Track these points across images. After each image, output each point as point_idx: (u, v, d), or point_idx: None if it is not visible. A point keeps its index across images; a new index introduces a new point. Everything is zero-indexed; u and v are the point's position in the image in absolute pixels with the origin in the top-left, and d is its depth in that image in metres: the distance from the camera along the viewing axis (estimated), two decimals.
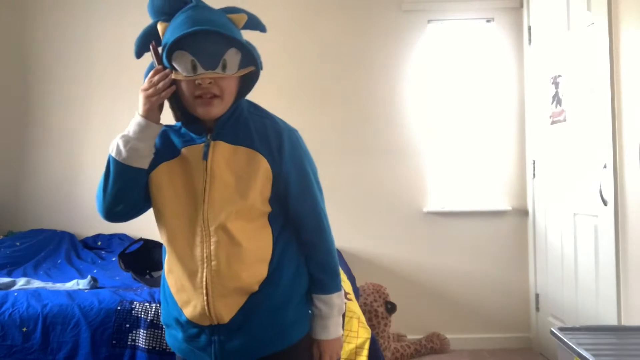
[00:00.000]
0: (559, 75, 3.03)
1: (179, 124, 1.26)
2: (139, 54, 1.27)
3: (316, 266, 1.29)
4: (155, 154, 1.23)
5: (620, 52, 2.44)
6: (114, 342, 2.06)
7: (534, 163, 3.40)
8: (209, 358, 1.23)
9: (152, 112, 1.18)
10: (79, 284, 2.41)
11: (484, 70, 3.62)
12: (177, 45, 1.13)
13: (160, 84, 1.16)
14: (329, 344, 1.29)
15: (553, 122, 3.12)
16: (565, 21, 2.94)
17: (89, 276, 2.45)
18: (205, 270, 1.18)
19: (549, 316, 3.21)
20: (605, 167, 2.52)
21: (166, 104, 1.24)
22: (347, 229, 3.46)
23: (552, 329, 1.77)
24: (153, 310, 2.10)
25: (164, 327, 1.34)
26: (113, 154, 1.20)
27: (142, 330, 2.07)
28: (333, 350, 1.31)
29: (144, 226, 3.49)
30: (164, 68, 1.18)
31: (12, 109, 3.69)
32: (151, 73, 1.18)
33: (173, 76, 1.16)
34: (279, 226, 1.25)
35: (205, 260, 1.18)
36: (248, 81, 1.24)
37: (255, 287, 1.21)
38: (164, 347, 2.06)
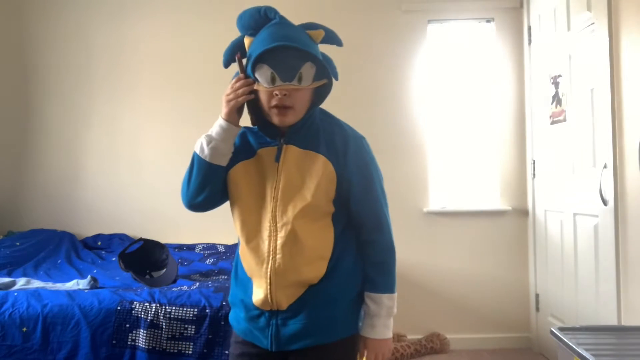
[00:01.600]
0: (559, 75, 3.03)
1: (257, 127, 1.37)
2: (227, 63, 1.37)
3: (371, 264, 1.37)
4: (234, 153, 1.35)
5: (621, 52, 2.44)
6: (114, 342, 2.07)
7: (534, 163, 3.40)
8: (265, 339, 1.33)
9: (231, 115, 1.30)
10: (79, 284, 2.41)
11: (484, 71, 3.62)
12: (259, 59, 1.25)
13: (240, 90, 1.28)
14: (374, 343, 1.35)
15: (553, 122, 3.12)
16: (565, 21, 2.95)
17: (89, 276, 2.45)
18: (270, 262, 1.29)
19: (549, 316, 3.21)
20: (605, 167, 2.52)
21: (245, 109, 1.35)
22: None
23: (552, 329, 1.77)
24: (153, 310, 2.10)
25: (230, 307, 1.47)
26: (197, 151, 1.32)
27: (142, 330, 2.07)
28: (379, 350, 1.36)
29: (144, 226, 3.53)
30: (246, 77, 1.29)
31: (12, 109, 3.69)
32: (234, 81, 1.30)
33: (255, 87, 1.27)
34: (341, 226, 1.35)
35: (271, 253, 1.30)
36: (321, 92, 1.35)
37: (314, 281, 1.31)
38: (164, 347, 2.06)
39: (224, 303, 2.12)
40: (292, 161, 1.31)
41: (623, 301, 2.42)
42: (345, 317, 1.34)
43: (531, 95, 3.43)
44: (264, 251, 1.30)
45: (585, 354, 1.52)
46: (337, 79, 1.36)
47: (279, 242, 1.29)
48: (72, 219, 3.61)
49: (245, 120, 1.36)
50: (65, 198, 3.64)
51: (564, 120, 2.98)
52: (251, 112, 1.34)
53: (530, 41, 3.43)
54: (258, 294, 1.31)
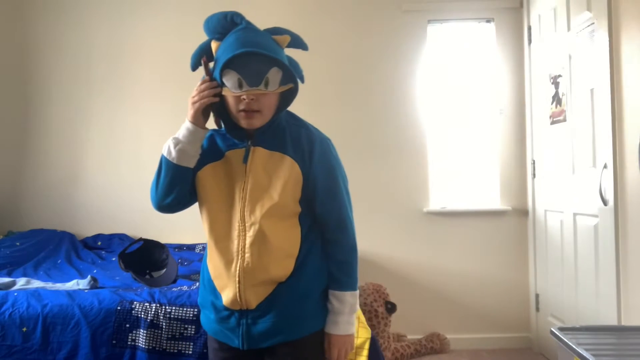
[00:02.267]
0: (559, 75, 3.03)
1: (224, 129, 1.40)
2: (194, 67, 1.40)
3: (335, 263, 1.40)
4: (202, 155, 1.38)
5: (621, 52, 2.44)
6: (114, 342, 2.06)
7: (534, 163, 3.40)
8: (236, 339, 1.37)
9: (196, 117, 1.33)
10: (79, 284, 2.41)
11: (484, 71, 3.62)
12: (226, 65, 1.27)
13: (205, 92, 1.30)
14: (338, 339, 1.39)
15: (553, 122, 3.12)
16: (565, 21, 2.95)
17: (89, 276, 2.45)
18: (239, 261, 1.33)
19: (549, 316, 3.21)
20: (605, 167, 2.52)
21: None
22: None
23: (552, 329, 1.77)
24: (153, 310, 2.10)
25: (199, 308, 1.51)
26: (165, 154, 1.35)
27: (142, 330, 2.07)
28: (342, 346, 1.40)
29: (144, 226, 3.53)
30: (212, 80, 1.32)
31: (12, 109, 3.69)
32: (199, 83, 1.33)
33: (223, 92, 1.30)
34: (307, 225, 1.39)
35: (239, 252, 1.33)
36: (288, 96, 1.38)
37: (282, 279, 1.34)
38: (164, 347, 2.06)
39: None
40: (259, 162, 1.34)
41: (623, 301, 2.42)
42: (314, 313, 1.39)
43: (531, 95, 3.43)
44: (232, 251, 1.33)
45: (585, 354, 1.51)
46: (303, 82, 1.38)
47: (248, 241, 1.32)
48: (72, 219, 3.61)
49: (212, 123, 1.38)
50: (65, 198, 3.64)
51: (564, 120, 2.98)
52: (216, 115, 1.37)
53: (530, 41, 3.43)
54: (227, 293, 1.34)
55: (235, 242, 1.33)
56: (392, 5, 3.58)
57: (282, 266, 1.34)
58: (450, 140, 3.64)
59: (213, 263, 1.38)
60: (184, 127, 1.34)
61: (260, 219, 1.31)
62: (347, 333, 1.39)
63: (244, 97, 1.27)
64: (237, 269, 1.32)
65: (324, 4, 3.59)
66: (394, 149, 3.55)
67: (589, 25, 2.69)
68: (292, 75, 1.33)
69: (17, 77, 3.69)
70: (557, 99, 3.07)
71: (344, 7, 3.59)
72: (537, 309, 3.37)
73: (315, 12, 3.56)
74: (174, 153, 1.33)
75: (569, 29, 2.92)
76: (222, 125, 1.41)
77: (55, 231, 3.44)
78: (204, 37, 1.39)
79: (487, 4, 3.57)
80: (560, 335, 1.69)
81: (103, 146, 3.66)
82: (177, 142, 1.33)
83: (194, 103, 1.31)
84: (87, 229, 3.59)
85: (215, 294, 1.37)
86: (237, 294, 1.32)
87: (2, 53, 3.69)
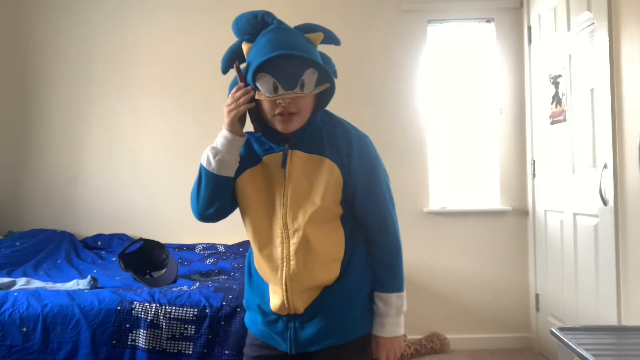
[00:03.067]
0: (559, 75, 3.03)
1: (260, 133, 1.36)
2: (225, 70, 1.36)
3: (378, 264, 1.37)
4: (239, 161, 1.34)
5: (621, 52, 2.44)
6: (114, 342, 2.07)
7: (534, 163, 3.40)
8: (284, 343, 1.35)
9: (233, 125, 1.28)
10: (79, 284, 2.41)
11: (484, 71, 3.62)
12: (259, 68, 1.22)
13: (242, 100, 1.26)
14: (385, 341, 1.36)
15: (553, 122, 3.12)
16: (565, 21, 2.95)
17: (89, 276, 2.45)
18: (284, 269, 1.31)
19: (549, 316, 3.21)
20: (605, 167, 2.52)
21: (248, 118, 1.33)
22: None
23: (552, 329, 1.77)
24: (153, 310, 2.10)
25: (245, 309, 1.49)
26: (204, 164, 1.31)
27: (142, 330, 2.07)
28: (390, 348, 1.37)
29: (144, 226, 3.53)
30: (246, 85, 1.27)
31: (11, 109, 3.69)
32: (234, 89, 1.28)
33: (257, 96, 1.25)
34: (351, 227, 1.36)
35: (284, 260, 1.31)
36: (324, 95, 1.33)
37: (329, 283, 1.32)
38: (164, 347, 2.06)
39: (223, 303, 2.12)
40: (298, 166, 1.31)
41: (623, 301, 2.43)
42: (361, 316, 1.36)
43: (531, 95, 3.43)
44: (277, 258, 1.31)
45: (585, 354, 1.51)
46: (335, 77, 1.35)
47: (292, 248, 1.29)
48: (72, 219, 3.61)
49: (247, 126, 1.34)
50: (65, 198, 3.64)
51: (564, 120, 2.98)
52: (254, 120, 1.33)
53: (530, 41, 3.43)
54: (274, 300, 1.33)
55: (279, 249, 1.31)
56: (392, 5, 3.58)
57: (329, 271, 1.31)
58: (450, 140, 3.64)
59: (262, 269, 1.36)
60: (221, 136, 1.29)
61: (304, 225, 1.28)
62: (394, 335, 1.36)
63: (280, 100, 1.23)
64: (283, 276, 1.30)
65: (324, 4, 3.59)
66: (394, 149, 3.54)
67: (589, 25, 2.69)
68: (327, 74, 1.28)
69: (17, 77, 3.69)
70: (557, 99, 3.07)
71: (343, 7, 3.59)
72: (537, 309, 3.37)
73: (314, 12, 3.56)
74: (213, 163, 1.29)
75: (569, 29, 2.92)
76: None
77: (55, 231, 3.44)
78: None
79: (487, 4, 3.57)
80: (560, 335, 1.69)
81: (103, 146, 3.66)
82: (216, 152, 1.29)
83: (230, 111, 1.27)
84: (87, 229, 3.59)
85: (263, 297, 1.36)
86: (285, 301, 1.31)
87: (2, 53, 3.69)
